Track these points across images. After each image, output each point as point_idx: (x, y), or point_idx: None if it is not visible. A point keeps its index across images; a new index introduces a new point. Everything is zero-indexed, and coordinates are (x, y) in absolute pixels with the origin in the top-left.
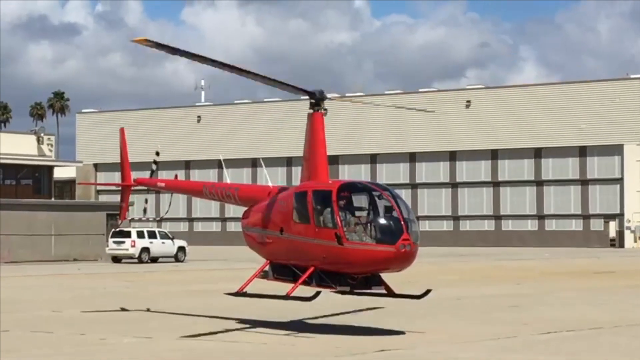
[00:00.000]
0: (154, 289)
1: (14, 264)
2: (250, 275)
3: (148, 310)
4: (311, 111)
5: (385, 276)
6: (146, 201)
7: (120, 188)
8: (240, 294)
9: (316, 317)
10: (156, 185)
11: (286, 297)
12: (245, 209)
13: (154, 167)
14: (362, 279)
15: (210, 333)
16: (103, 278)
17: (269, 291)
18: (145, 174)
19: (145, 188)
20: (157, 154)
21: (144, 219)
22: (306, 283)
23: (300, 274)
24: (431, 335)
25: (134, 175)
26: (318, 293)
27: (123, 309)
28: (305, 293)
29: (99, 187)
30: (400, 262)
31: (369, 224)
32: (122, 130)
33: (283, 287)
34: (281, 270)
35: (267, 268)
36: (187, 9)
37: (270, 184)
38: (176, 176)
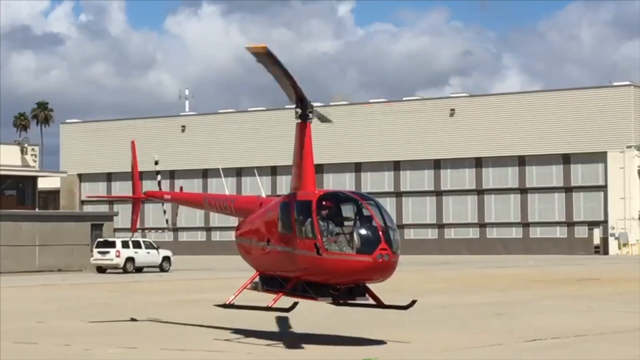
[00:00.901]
0: (139, 299)
1: None
2: (240, 287)
3: (154, 320)
4: (299, 121)
5: (371, 286)
6: (165, 212)
7: (103, 199)
8: (228, 305)
9: (305, 328)
10: (163, 197)
11: (268, 308)
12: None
13: (158, 177)
14: (345, 289)
15: (196, 342)
16: (88, 288)
17: (258, 301)
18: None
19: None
20: (156, 163)
21: (166, 230)
22: (290, 294)
23: (286, 285)
24: (416, 344)
25: (118, 185)
26: (295, 304)
27: (133, 319)
28: (289, 304)
29: (83, 198)
30: (379, 272)
31: (347, 234)
32: (133, 143)
33: (271, 298)
34: (269, 281)
35: (257, 279)
36: (171, 19)
37: (264, 193)
38: (181, 188)
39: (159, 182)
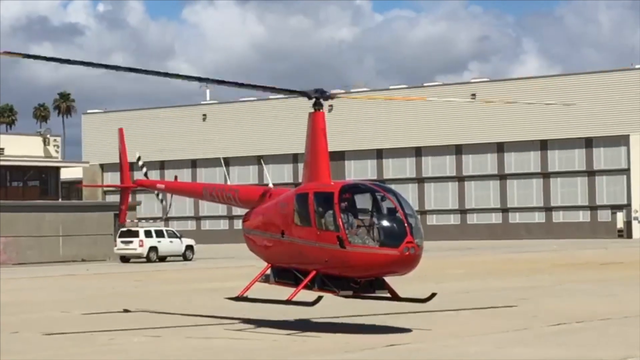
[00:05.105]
0: (163, 288)
1: (23, 266)
2: (251, 279)
3: (173, 309)
4: (312, 110)
5: (389, 278)
6: (162, 202)
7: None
8: (240, 298)
9: (322, 317)
10: (156, 186)
11: (287, 302)
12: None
13: (144, 169)
14: (365, 282)
15: (220, 331)
16: (112, 278)
17: (271, 294)
18: (154, 174)
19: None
20: (139, 159)
21: (164, 218)
22: (308, 287)
23: (302, 278)
24: (440, 329)
25: (140, 175)
26: (320, 298)
27: (126, 310)
28: (308, 297)
29: (106, 187)
30: (404, 266)
31: (371, 227)
32: (120, 131)
33: (285, 290)
34: (283, 274)
35: (268, 272)
36: (188, 8)
37: (271, 183)
38: (176, 177)
39: (145, 173)
